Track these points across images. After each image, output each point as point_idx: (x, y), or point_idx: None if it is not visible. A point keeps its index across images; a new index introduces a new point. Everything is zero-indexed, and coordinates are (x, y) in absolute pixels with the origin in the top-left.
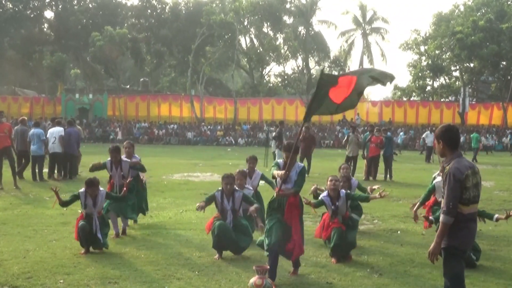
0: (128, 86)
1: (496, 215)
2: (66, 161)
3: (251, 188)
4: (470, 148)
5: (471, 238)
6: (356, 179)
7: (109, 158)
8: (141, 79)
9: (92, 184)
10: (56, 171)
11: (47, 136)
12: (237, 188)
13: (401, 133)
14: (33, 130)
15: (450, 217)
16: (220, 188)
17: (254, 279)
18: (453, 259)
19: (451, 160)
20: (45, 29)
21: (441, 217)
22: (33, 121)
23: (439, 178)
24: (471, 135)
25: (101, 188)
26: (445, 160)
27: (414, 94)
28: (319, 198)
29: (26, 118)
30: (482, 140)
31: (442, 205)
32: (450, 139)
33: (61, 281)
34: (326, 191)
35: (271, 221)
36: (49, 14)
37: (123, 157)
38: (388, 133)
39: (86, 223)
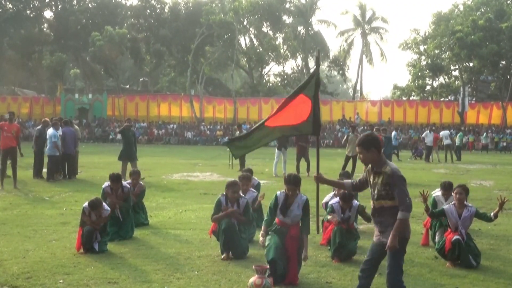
0: (127, 86)
1: (492, 213)
2: (63, 162)
3: (255, 191)
4: (468, 147)
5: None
6: (358, 202)
7: (108, 183)
8: (141, 79)
9: (95, 207)
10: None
11: (47, 137)
12: (242, 194)
13: (394, 133)
14: (47, 131)
15: (409, 212)
16: (224, 193)
17: (253, 279)
18: (403, 252)
19: (386, 163)
20: (44, 29)
21: (402, 214)
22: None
23: (438, 193)
24: (458, 134)
25: (106, 207)
26: (377, 164)
27: (413, 93)
28: (329, 204)
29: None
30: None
31: (400, 203)
32: (379, 145)
33: (61, 281)
34: (337, 197)
35: (271, 240)
36: (48, 14)
37: (125, 183)
38: (394, 132)
39: (92, 229)
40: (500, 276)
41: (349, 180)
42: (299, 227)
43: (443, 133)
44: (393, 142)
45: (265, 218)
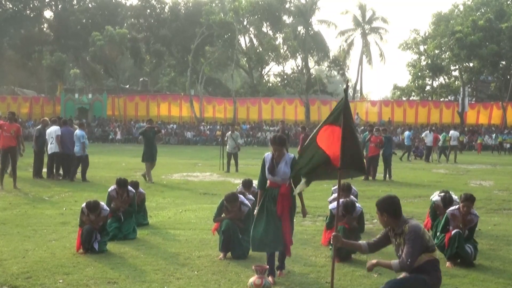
0: (127, 86)
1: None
2: (63, 161)
3: (253, 197)
4: (471, 147)
5: None
6: (361, 207)
7: (113, 187)
8: (141, 79)
9: (92, 210)
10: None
11: (46, 136)
12: (244, 202)
13: (407, 133)
14: (75, 131)
15: (401, 270)
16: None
17: (253, 279)
18: None
19: (405, 222)
20: (44, 29)
21: (395, 264)
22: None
23: (437, 197)
24: (441, 134)
25: (105, 207)
26: (396, 226)
27: (413, 93)
28: (329, 208)
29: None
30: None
31: (403, 256)
32: (394, 210)
33: (61, 281)
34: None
35: (257, 220)
36: (48, 14)
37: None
38: (407, 132)
39: (91, 228)
40: (500, 276)
41: (365, 242)
42: (290, 186)
43: (452, 133)
44: (406, 142)
45: (258, 182)
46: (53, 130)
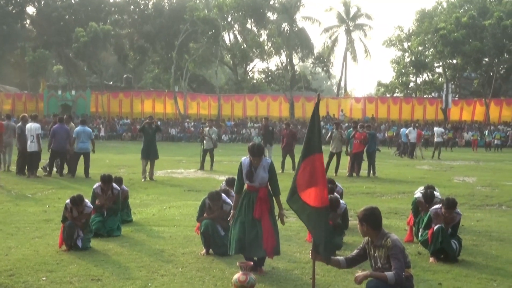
0: (111, 83)
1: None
2: (54, 158)
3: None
4: (453, 144)
5: None
6: (345, 204)
7: (98, 184)
8: (124, 76)
9: (76, 204)
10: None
11: (26, 133)
12: (226, 200)
13: (411, 129)
14: (79, 128)
15: (395, 283)
16: (207, 197)
17: (238, 275)
18: None
19: (386, 236)
20: (27, 25)
21: (390, 276)
22: (80, 119)
23: (419, 194)
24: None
25: (88, 204)
26: (376, 238)
27: (397, 90)
28: None
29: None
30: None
31: (394, 269)
32: (375, 221)
33: (44, 278)
34: None
35: (235, 223)
36: (31, 10)
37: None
38: (404, 129)
39: (73, 224)
40: (482, 271)
41: (343, 258)
42: (267, 190)
43: (437, 130)
44: (403, 139)
45: (235, 187)
46: (33, 127)
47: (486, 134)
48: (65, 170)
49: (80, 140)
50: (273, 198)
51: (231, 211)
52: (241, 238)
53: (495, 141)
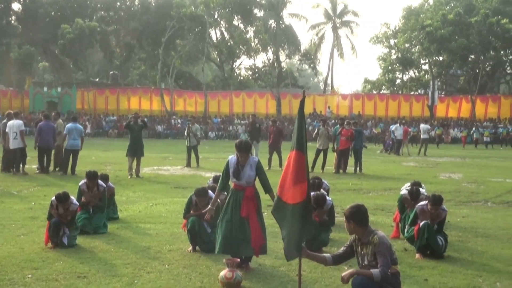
0: (97, 79)
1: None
2: (40, 156)
3: (225, 192)
4: (439, 141)
5: None
6: (331, 200)
7: (84, 181)
8: (111, 72)
9: (62, 201)
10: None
11: (7, 130)
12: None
13: (397, 126)
14: (71, 125)
15: (381, 280)
16: (193, 194)
17: (224, 272)
18: None
19: (373, 233)
20: (12, 22)
21: (375, 273)
22: (72, 116)
23: (404, 191)
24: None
25: (74, 201)
26: (363, 235)
27: (384, 87)
28: None
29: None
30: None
31: (380, 266)
32: (361, 218)
33: (29, 275)
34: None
35: (222, 222)
36: (16, 6)
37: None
38: (412, 127)
39: (59, 221)
40: (468, 267)
41: (329, 255)
42: (254, 189)
43: (423, 126)
44: (392, 136)
45: (219, 184)
46: (16, 124)
47: (473, 131)
48: (51, 167)
49: (72, 137)
50: (260, 197)
51: (210, 207)
52: (228, 237)
53: (485, 138)
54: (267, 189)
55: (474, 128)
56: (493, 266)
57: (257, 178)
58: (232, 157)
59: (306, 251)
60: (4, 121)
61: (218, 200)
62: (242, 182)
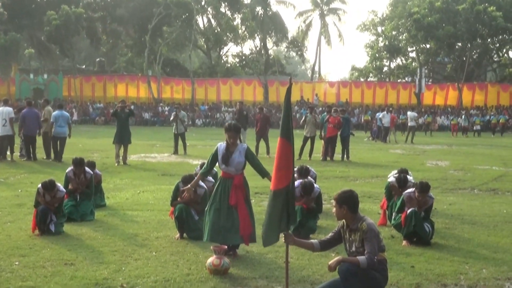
0: (83, 67)
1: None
2: (26, 143)
3: (212, 180)
4: (426, 128)
5: None
6: (319, 188)
7: (71, 168)
8: (97, 59)
9: (48, 189)
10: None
11: None
12: (200, 184)
13: (385, 114)
14: (57, 112)
15: (368, 266)
16: (180, 181)
17: (212, 259)
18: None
19: (362, 219)
20: None
21: (362, 260)
22: (58, 103)
23: (392, 178)
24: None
25: (61, 188)
26: (352, 221)
27: (371, 74)
28: None
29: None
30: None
31: (368, 252)
32: (354, 204)
33: (17, 263)
34: (298, 181)
35: (210, 210)
36: None
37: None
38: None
39: (46, 209)
40: (455, 254)
41: (317, 241)
42: (243, 177)
43: (410, 114)
44: (378, 123)
45: (203, 167)
46: (5, 111)
47: (463, 119)
48: (42, 156)
49: (58, 124)
50: (248, 185)
51: (189, 186)
52: (216, 225)
53: (475, 126)
54: (263, 173)
55: (464, 116)
56: (479, 253)
57: (248, 166)
58: (221, 144)
59: (293, 238)
60: None
61: (206, 187)
62: (231, 169)
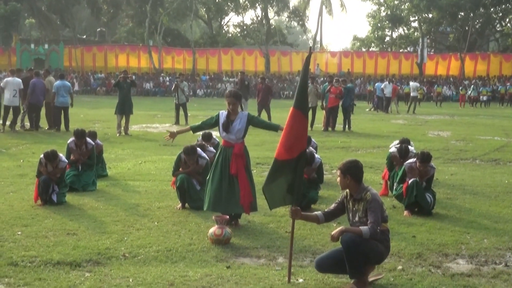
0: (84, 36)
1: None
2: (32, 112)
3: (213, 150)
4: (429, 98)
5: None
6: (320, 158)
7: (72, 139)
8: (98, 29)
9: (50, 160)
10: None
11: (2, 85)
12: (201, 154)
13: (386, 84)
14: (59, 82)
15: (370, 236)
16: (182, 152)
17: (213, 229)
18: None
19: (366, 189)
20: None
21: (365, 230)
22: (59, 74)
23: (393, 149)
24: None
25: (63, 158)
26: (356, 191)
27: (373, 44)
28: None
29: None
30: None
31: (370, 223)
32: (358, 174)
33: (19, 233)
34: None
35: (211, 179)
36: None
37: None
38: (379, 83)
39: (48, 179)
40: (456, 224)
41: (320, 212)
42: (243, 145)
43: (412, 84)
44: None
45: (198, 123)
46: (15, 82)
47: (472, 88)
48: (46, 126)
49: (60, 94)
50: (249, 154)
51: (174, 131)
52: (217, 194)
53: (482, 97)
54: (274, 127)
55: (472, 86)
56: (481, 223)
57: (249, 135)
58: (222, 112)
59: (300, 212)
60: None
61: (208, 158)
62: (232, 137)
